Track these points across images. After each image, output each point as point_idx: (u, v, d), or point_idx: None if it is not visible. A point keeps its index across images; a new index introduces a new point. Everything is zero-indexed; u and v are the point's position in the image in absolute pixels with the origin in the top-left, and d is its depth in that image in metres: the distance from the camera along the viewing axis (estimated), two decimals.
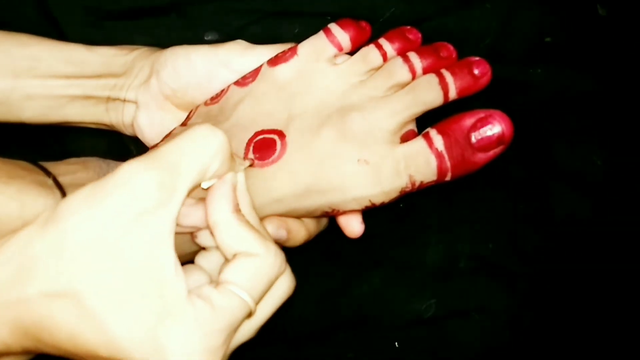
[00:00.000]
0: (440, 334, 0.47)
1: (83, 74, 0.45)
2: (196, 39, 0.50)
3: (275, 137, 0.40)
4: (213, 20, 0.51)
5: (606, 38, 0.51)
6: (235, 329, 0.32)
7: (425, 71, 0.42)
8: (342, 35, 0.42)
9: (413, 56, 0.42)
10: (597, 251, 0.48)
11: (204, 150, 0.32)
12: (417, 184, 0.40)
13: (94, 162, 0.41)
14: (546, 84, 0.50)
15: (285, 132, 0.40)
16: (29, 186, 0.38)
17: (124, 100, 0.46)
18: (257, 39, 0.50)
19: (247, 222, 0.33)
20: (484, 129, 0.40)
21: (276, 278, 0.33)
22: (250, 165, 0.39)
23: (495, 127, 0.39)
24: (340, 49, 0.42)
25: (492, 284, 0.48)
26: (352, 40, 0.43)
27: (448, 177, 0.40)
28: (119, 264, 0.30)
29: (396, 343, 0.47)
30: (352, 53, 0.43)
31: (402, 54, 0.42)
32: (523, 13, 0.51)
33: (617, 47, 0.51)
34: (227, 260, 0.33)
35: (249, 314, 0.32)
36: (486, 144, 0.40)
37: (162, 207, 0.31)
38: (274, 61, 0.43)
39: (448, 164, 0.40)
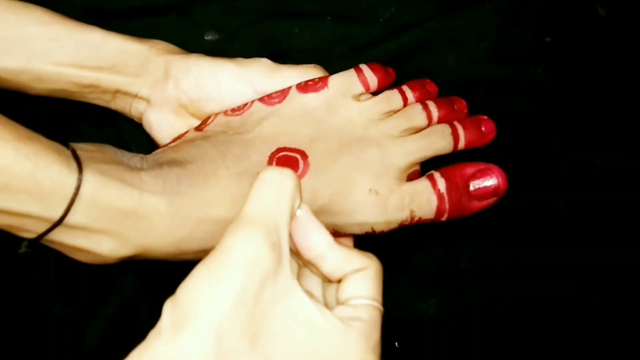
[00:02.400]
0: (440, 334, 0.47)
1: (97, 62, 0.44)
2: (196, 39, 0.50)
3: (298, 156, 0.43)
4: (213, 20, 0.51)
5: (606, 38, 0.51)
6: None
7: (440, 120, 0.46)
8: (371, 76, 0.45)
9: (431, 105, 0.46)
10: (597, 251, 0.48)
11: (288, 191, 0.33)
12: (416, 219, 0.44)
13: (108, 148, 0.42)
14: (546, 84, 0.50)
15: (307, 153, 0.43)
16: (46, 150, 0.37)
17: (135, 96, 0.46)
18: (257, 39, 0.50)
19: (344, 244, 0.35)
20: (483, 179, 0.45)
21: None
22: None
23: (492, 179, 0.45)
24: (368, 88, 0.46)
25: (492, 284, 0.48)
26: (379, 82, 0.46)
27: (444, 218, 0.45)
28: (270, 341, 0.31)
29: (396, 343, 0.47)
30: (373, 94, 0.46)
31: (421, 101, 0.46)
32: (523, 13, 0.51)
33: (617, 47, 0.51)
34: (329, 281, 0.36)
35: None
36: (482, 194, 0.45)
37: (278, 265, 0.32)
38: (304, 88, 0.45)
39: (447, 205, 0.44)
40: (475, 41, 0.51)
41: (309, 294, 0.34)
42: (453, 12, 0.51)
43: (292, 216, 0.34)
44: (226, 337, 0.30)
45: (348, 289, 0.34)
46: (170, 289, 0.47)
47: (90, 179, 0.38)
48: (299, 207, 0.34)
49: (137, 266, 0.47)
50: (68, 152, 0.39)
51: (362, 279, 0.34)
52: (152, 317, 0.47)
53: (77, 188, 0.37)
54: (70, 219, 0.38)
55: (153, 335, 0.30)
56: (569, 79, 0.50)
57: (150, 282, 0.47)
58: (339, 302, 0.34)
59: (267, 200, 0.33)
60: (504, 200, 0.48)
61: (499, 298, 0.48)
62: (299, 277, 0.36)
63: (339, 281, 0.35)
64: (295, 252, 0.35)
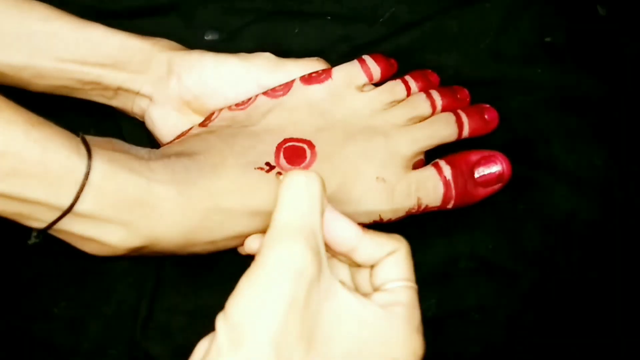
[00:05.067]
0: (440, 334, 0.47)
1: (99, 59, 0.44)
2: (196, 39, 0.50)
3: (305, 146, 0.43)
4: (213, 20, 0.51)
5: (606, 38, 0.51)
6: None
7: (444, 109, 0.46)
8: (374, 67, 0.46)
9: (435, 94, 0.46)
10: (597, 251, 0.48)
11: (318, 195, 0.34)
12: (423, 206, 0.45)
13: (116, 140, 0.42)
14: (546, 84, 0.50)
15: (313, 143, 0.43)
16: (55, 135, 0.37)
17: (137, 93, 0.46)
18: (257, 39, 0.50)
19: (370, 230, 0.36)
20: (487, 166, 0.45)
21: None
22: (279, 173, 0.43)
23: (497, 166, 0.45)
24: (371, 79, 0.46)
25: (492, 284, 0.48)
26: (382, 73, 0.46)
27: (450, 205, 0.45)
28: (324, 341, 0.32)
29: None
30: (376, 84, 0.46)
31: (424, 91, 0.47)
32: (523, 13, 0.51)
33: (617, 47, 0.51)
34: (357, 266, 0.37)
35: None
36: (487, 180, 0.45)
37: (320, 267, 0.33)
38: (308, 80, 0.45)
39: (453, 192, 0.45)
40: (475, 41, 0.51)
41: (342, 284, 0.35)
42: (453, 12, 0.51)
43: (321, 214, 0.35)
44: (284, 345, 0.31)
45: (382, 274, 0.35)
46: (170, 290, 0.47)
47: (100, 166, 0.38)
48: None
49: (137, 266, 0.47)
50: (77, 139, 0.39)
51: (396, 262, 0.35)
52: (152, 317, 0.47)
53: (87, 174, 0.37)
54: (80, 206, 0.38)
55: (213, 354, 0.31)
56: (569, 79, 0.50)
57: (150, 282, 0.47)
58: (374, 287, 0.35)
59: (300, 207, 0.34)
60: (505, 200, 0.48)
61: (499, 298, 0.48)
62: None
63: (371, 266, 0.36)
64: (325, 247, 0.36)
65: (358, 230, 0.36)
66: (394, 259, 0.35)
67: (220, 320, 0.32)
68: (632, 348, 0.47)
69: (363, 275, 0.37)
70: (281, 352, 0.31)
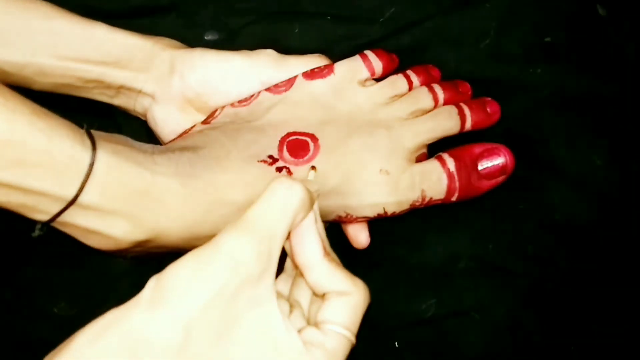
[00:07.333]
0: (440, 334, 0.47)
1: (101, 57, 0.44)
2: (196, 39, 0.50)
3: (308, 139, 0.44)
4: (213, 20, 0.51)
5: (606, 38, 0.51)
6: None
7: (446, 102, 0.47)
8: (376, 62, 0.46)
9: (437, 87, 0.47)
10: (597, 251, 0.48)
11: (292, 207, 0.34)
12: (427, 199, 0.45)
13: (120, 135, 0.42)
14: (546, 84, 0.50)
15: (317, 136, 0.44)
16: (60, 125, 0.37)
17: (140, 92, 0.46)
18: (257, 39, 0.50)
19: (335, 263, 0.35)
20: (491, 158, 0.45)
21: (366, 309, 0.35)
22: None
23: (500, 158, 0.46)
24: (373, 74, 0.46)
25: (492, 284, 0.48)
26: (384, 67, 0.46)
27: (454, 198, 0.45)
28: (232, 345, 0.31)
29: (396, 343, 0.47)
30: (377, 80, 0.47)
31: (426, 84, 0.47)
32: (523, 13, 0.51)
33: (617, 47, 0.51)
34: (316, 295, 0.35)
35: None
36: (491, 172, 0.45)
37: (262, 274, 0.32)
38: (310, 75, 0.46)
39: (457, 184, 0.45)
40: (475, 41, 0.51)
41: (296, 302, 0.35)
42: (453, 12, 0.51)
43: (295, 227, 0.34)
44: (195, 328, 0.30)
45: (326, 312, 0.34)
46: None
47: (104, 157, 0.38)
48: (306, 216, 0.35)
49: (137, 266, 0.47)
50: (82, 131, 0.39)
51: (342, 305, 0.34)
52: None
53: (91, 165, 0.37)
54: (84, 198, 0.38)
55: (132, 303, 0.31)
56: (569, 79, 0.50)
57: None
58: (316, 321, 0.34)
59: (271, 212, 0.33)
60: (505, 200, 0.48)
61: (499, 298, 0.48)
62: (292, 284, 0.37)
63: (322, 296, 0.35)
64: (290, 255, 0.36)
65: (321, 252, 0.35)
66: (342, 302, 0.34)
67: (154, 277, 0.32)
68: (632, 348, 0.47)
69: (315, 307, 0.36)
70: (190, 333, 0.30)
